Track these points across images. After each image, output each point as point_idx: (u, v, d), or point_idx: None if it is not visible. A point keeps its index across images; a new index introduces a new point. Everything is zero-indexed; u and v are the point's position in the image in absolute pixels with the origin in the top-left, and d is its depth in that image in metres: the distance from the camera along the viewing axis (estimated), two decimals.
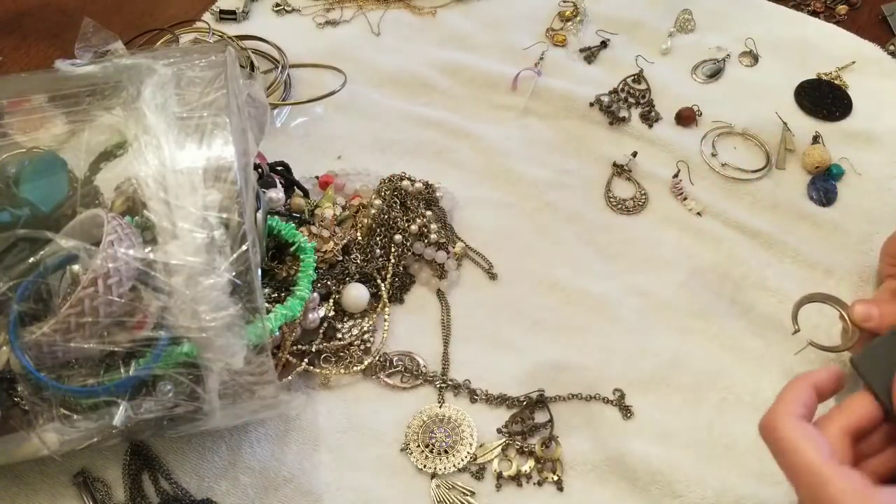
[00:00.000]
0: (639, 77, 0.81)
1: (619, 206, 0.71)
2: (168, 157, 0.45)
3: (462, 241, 0.68)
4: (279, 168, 0.69)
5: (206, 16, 0.87)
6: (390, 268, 0.65)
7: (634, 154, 0.73)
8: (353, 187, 0.70)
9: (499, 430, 0.58)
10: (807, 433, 0.41)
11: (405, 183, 0.69)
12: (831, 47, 0.83)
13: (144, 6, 0.89)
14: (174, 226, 0.44)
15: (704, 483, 0.55)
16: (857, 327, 0.55)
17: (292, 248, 0.61)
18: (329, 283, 0.62)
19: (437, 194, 0.69)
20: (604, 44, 0.84)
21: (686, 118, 0.77)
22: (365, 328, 0.62)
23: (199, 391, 0.46)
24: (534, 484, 0.56)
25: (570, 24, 0.86)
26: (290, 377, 0.59)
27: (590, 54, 0.84)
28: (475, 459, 0.56)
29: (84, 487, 0.54)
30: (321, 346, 0.60)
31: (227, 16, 0.86)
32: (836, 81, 0.80)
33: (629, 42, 0.85)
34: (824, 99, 0.78)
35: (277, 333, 0.57)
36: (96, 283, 0.43)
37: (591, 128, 0.77)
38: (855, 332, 0.55)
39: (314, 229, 0.65)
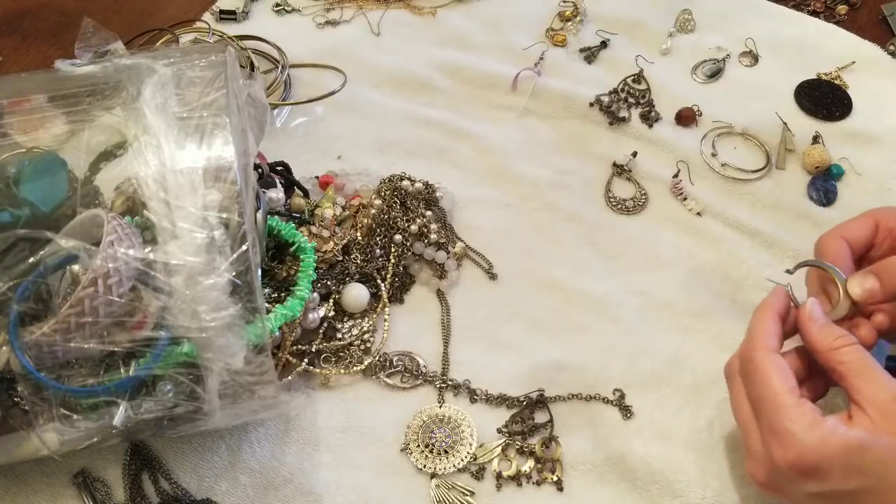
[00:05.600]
0: (639, 77, 0.81)
1: (619, 206, 0.71)
2: (168, 157, 0.45)
3: (462, 241, 0.68)
4: (279, 168, 0.69)
5: (206, 16, 0.87)
6: (390, 268, 0.65)
7: (634, 154, 0.73)
8: (353, 187, 0.70)
9: (499, 430, 0.58)
10: (778, 365, 0.46)
11: (405, 183, 0.69)
12: (831, 47, 0.83)
13: (144, 6, 0.89)
14: (174, 226, 0.44)
15: (704, 483, 0.55)
16: (856, 302, 0.51)
17: (292, 248, 0.61)
18: (329, 283, 0.62)
19: (437, 194, 0.69)
20: (604, 44, 0.84)
21: (686, 118, 0.77)
22: (365, 328, 0.62)
23: (199, 391, 0.46)
24: (533, 484, 0.56)
25: (570, 24, 0.86)
26: (290, 377, 0.59)
27: (590, 54, 0.84)
28: (475, 459, 0.56)
29: (84, 487, 0.54)
30: (321, 346, 0.60)
31: (227, 16, 0.86)
32: (836, 81, 0.80)
33: (629, 42, 0.85)
34: (824, 99, 0.78)
35: (277, 333, 0.57)
36: (96, 283, 0.43)
37: (591, 128, 0.77)
38: (846, 303, 0.51)
39: (314, 229, 0.65)
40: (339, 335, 0.62)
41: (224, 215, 0.45)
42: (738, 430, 0.50)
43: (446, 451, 0.56)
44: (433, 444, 0.57)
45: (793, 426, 0.43)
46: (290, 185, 0.68)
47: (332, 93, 0.77)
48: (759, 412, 0.47)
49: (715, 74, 0.82)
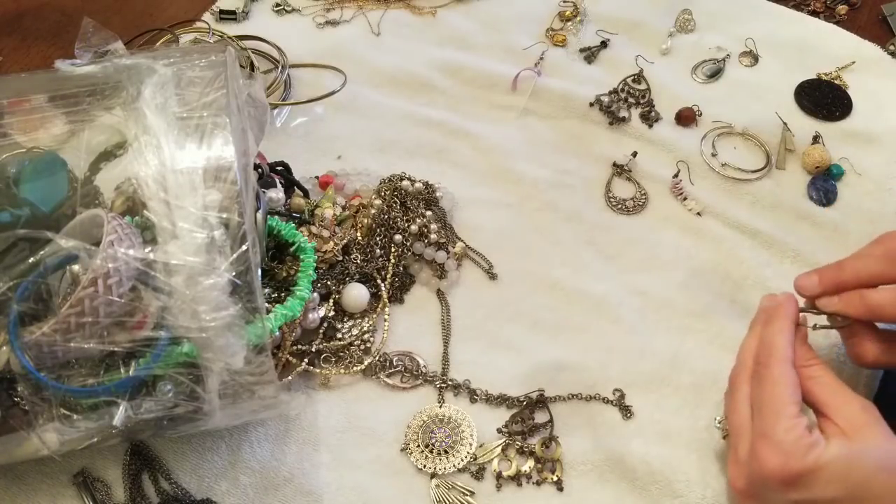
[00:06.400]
0: (639, 77, 0.81)
1: (619, 206, 0.71)
2: (168, 157, 0.45)
3: (462, 241, 0.68)
4: (279, 168, 0.69)
5: (206, 16, 0.87)
6: (390, 268, 0.65)
7: (634, 154, 0.73)
8: (353, 187, 0.70)
9: (499, 430, 0.58)
10: (792, 379, 0.48)
11: (405, 183, 0.69)
12: (831, 47, 0.83)
13: (144, 6, 0.89)
14: (174, 226, 0.44)
15: (704, 483, 0.55)
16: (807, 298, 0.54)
17: (292, 248, 0.61)
18: (329, 283, 0.62)
19: (437, 194, 0.69)
20: (604, 44, 0.84)
21: (686, 118, 0.77)
22: (365, 328, 0.62)
23: (199, 391, 0.46)
24: (533, 484, 0.56)
25: (570, 24, 0.86)
26: (290, 377, 0.59)
27: (590, 54, 0.84)
28: (475, 459, 0.56)
29: (84, 487, 0.54)
30: (321, 346, 0.60)
31: (227, 16, 0.86)
32: (836, 81, 0.80)
33: (629, 42, 0.85)
34: (824, 99, 0.78)
35: (277, 333, 0.57)
36: (96, 283, 0.43)
37: (591, 128, 0.77)
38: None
39: (314, 229, 0.65)
40: (339, 335, 0.62)
41: (224, 215, 0.45)
42: (730, 434, 0.51)
43: (446, 451, 0.56)
44: (433, 444, 0.57)
45: (784, 435, 0.45)
46: (290, 185, 0.68)
47: (332, 93, 0.77)
48: (756, 415, 0.48)
49: (715, 74, 0.82)
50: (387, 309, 0.63)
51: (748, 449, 0.47)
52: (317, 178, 0.71)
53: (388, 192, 0.68)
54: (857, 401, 0.47)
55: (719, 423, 0.55)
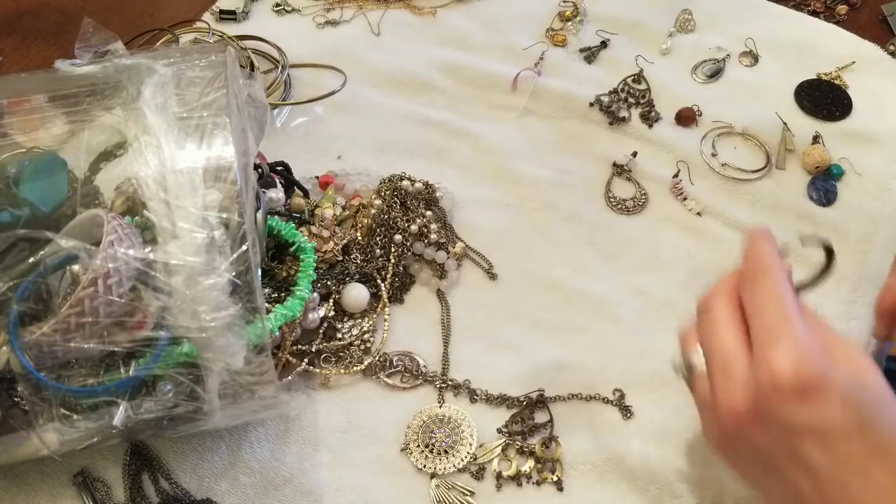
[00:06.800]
0: (639, 77, 0.81)
1: (619, 206, 0.71)
2: (168, 157, 0.45)
3: (462, 241, 0.68)
4: (279, 168, 0.69)
5: (206, 16, 0.87)
6: (390, 268, 0.65)
7: (634, 154, 0.73)
8: (353, 187, 0.70)
9: (499, 430, 0.58)
10: (791, 290, 0.43)
11: (405, 183, 0.69)
12: (831, 47, 0.83)
13: (144, 6, 0.89)
14: (174, 226, 0.44)
15: (704, 483, 0.55)
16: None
17: (292, 248, 0.61)
18: (329, 283, 0.62)
19: (437, 194, 0.69)
20: (604, 44, 0.84)
21: (686, 118, 0.77)
22: (365, 328, 0.62)
23: (199, 391, 0.46)
24: (533, 484, 0.56)
25: (570, 24, 0.86)
26: (290, 377, 0.59)
27: (590, 54, 0.84)
28: (475, 459, 0.56)
29: (84, 487, 0.54)
30: (321, 346, 0.60)
31: (227, 16, 0.86)
32: (836, 81, 0.80)
33: (629, 42, 0.85)
34: (824, 99, 0.78)
35: (277, 333, 0.57)
36: (96, 283, 0.43)
37: (591, 128, 0.77)
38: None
39: (314, 229, 0.65)
40: (339, 335, 0.62)
41: (224, 215, 0.45)
42: (709, 366, 0.44)
43: (446, 451, 0.56)
44: (433, 444, 0.57)
45: (800, 338, 0.40)
46: (290, 185, 0.68)
47: (332, 93, 0.77)
48: (755, 323, 0.43)
49: (715, 74, 0.82)
50: (387, 309, 0.63)
51: (746, 363, 0.41)
52: (317, 178, 0.71)
53: (388, 192, 0.68)
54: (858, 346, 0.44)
55: (678, 365, 0.49)
